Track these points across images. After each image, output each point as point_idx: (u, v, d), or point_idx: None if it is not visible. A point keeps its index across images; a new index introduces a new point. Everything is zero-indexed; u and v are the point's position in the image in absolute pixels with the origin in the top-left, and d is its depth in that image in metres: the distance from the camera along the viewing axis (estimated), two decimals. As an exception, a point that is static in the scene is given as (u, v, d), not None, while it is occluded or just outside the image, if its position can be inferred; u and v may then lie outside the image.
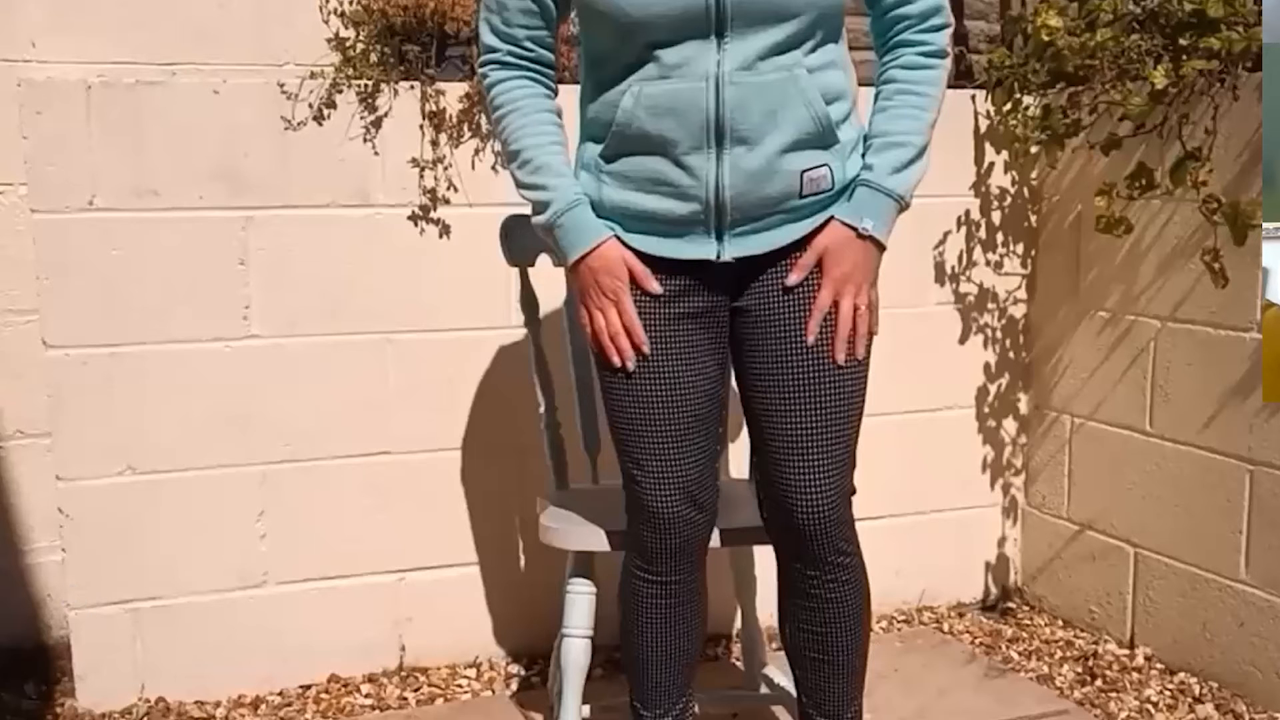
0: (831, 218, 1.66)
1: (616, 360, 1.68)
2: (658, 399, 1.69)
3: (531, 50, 1.70)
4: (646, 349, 1.67)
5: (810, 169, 1.62)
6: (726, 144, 1.59)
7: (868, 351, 1.69)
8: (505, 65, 1.71)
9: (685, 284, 1.68)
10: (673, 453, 1.70)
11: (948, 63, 1.69)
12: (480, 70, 1.74)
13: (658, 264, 1.67)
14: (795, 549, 1.74)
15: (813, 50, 1.61)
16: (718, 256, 1.65)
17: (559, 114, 1.73)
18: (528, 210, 1.83)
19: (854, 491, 1.74)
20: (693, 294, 1.69)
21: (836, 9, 1.62)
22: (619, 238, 1.67)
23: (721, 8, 1.54)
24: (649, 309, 1.68)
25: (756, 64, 1.57)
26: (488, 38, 1.71)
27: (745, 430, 1.81)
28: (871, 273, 1.68)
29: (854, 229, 1.65)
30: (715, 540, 1.88)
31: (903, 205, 1.67)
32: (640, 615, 1.81)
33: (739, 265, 1.67)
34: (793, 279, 1.66)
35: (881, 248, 1.68)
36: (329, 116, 2.37)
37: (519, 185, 1.71)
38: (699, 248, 1.65)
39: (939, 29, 1.67)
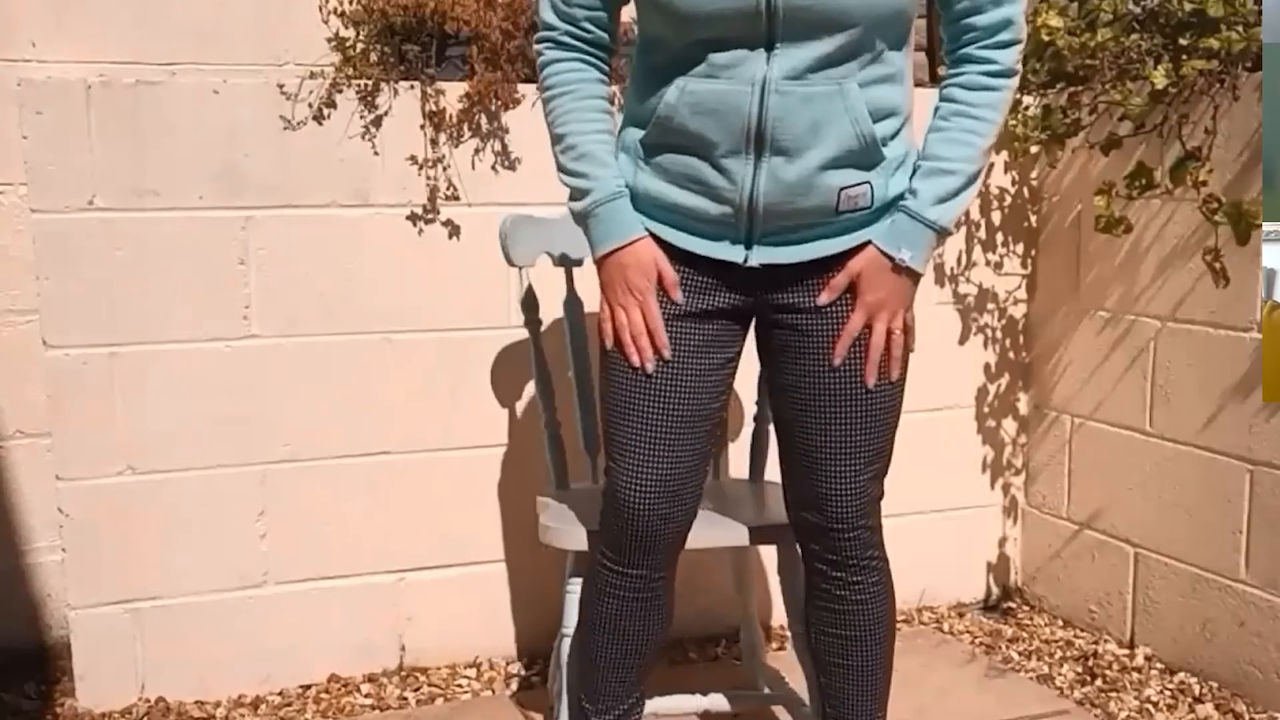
0: (868, 241, 1.63)
1: (636, 360, 1.65)
2: (653, 393, 1.66)
3: (589, 32, 1.67)
4: (668, 353, 1.65)
5: (849, 186, 1.59)
6: (766, 152, 1.56)
7: (904, 369, 1.67)
8: (561, 45, 1.68)
9: (708, 282, 1.66)
10: (655, 446, 1.67)
11: (1014, 81, 1.61)
12: (536, 48, 1.71)
13: (685, 257, 1.65)
14: (824, 552, 1.72)
15: (871, 62, 1.56)
16: (744, 261, 1.63)
17: (611, 100, 1.71)
18: (528, 210, 1.84)
19: (882, 495, 1.72)
20: (714, 293, 1.66)
21: (897, 17, 1.56)
22: (651, 233, 1.65)
23: (774, 13, 1.50)
24: (665, 302, 1.66)
25: (806, 74, 1.53)
26: (546, 15, 1.68)
27: (745, 430, 1.81)
28: (906, 299, 1.65)
29: (891, 258, 1.62)
30: (726, 540, 1.88)
31: (944, 235, 1.63)
32: (599, 604, 1.77)
33: (765, 272, 1.64)
34: (823, 299, 1.64)
35: (917, 277, 1.65)
36: (329, 116, 2.37)
37: (560, 169, 1.68)
38: (726, 250, 1.63)
39: (1007, 45, 1.59)
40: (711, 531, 1.93)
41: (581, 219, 1.68)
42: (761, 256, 1.63)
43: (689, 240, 1.65)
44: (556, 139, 1.68)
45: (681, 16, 1.54)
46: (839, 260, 1.64)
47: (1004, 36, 1.59)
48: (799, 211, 1.60)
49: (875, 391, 1.65)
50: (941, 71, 1.69)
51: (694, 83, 1.57)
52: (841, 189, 1.59)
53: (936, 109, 1.64)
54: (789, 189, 1.58)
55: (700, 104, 1.57)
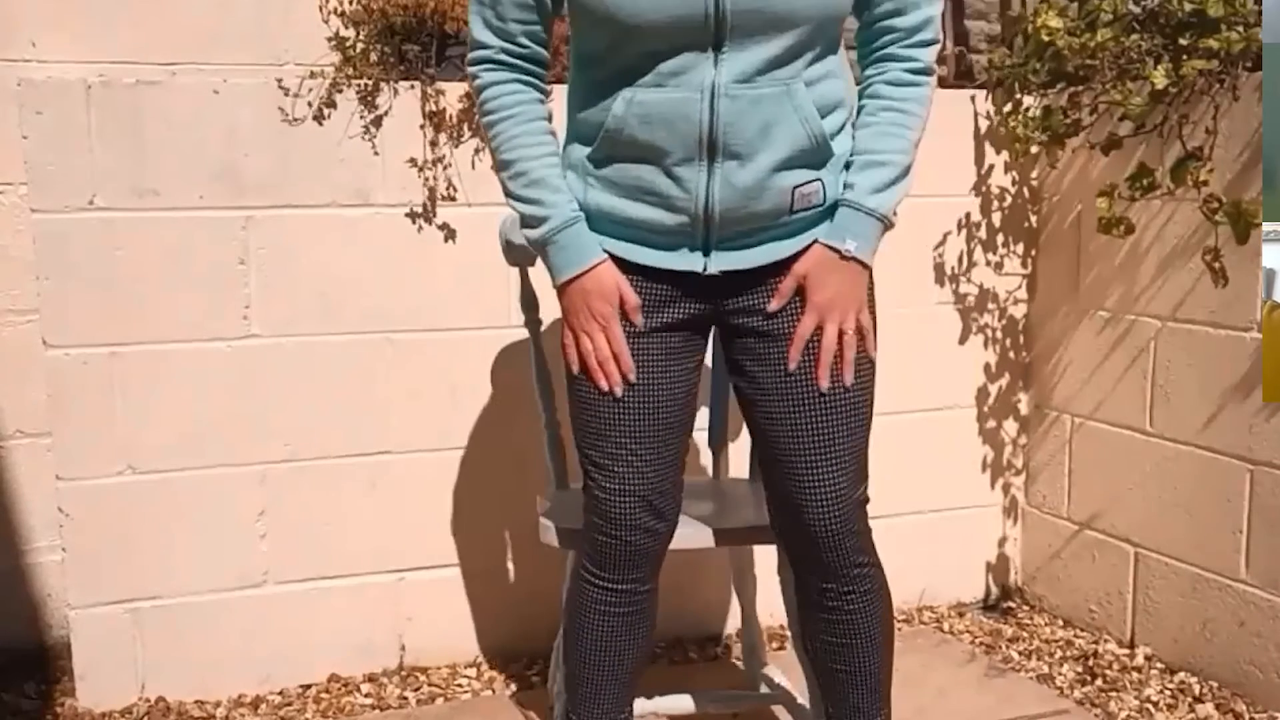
0: (814, 241, 1.63)
1: (604, 385, 1.64)
2: (625, 410, 1.65)
3: (526, 47, 1.65)
4: (633, 377, 1.64)
5: (802, 184, 1.59)
6: (719, 157, 1.56)
7: (872, 369, 1.67)
8: (498, 65, 1.65)
9: (668, 294, 1.65)
10: (635, 461, 1.66)
11: (934, 80, 1.65)
12: (470, 70, 1.68)
13: (642, 270, 1.64)
14: (811, 562, 1.70)
15: (813, 62, 1.57)
16: (704, 269, 1.62)
17: (550, 118, 1.69)
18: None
19: (867, 500, 1.71)
20: (674, 305, 1.66)
21: (838, 18, 1.57)
22: (608, 252, 1.64)
23: (721, 17, 1.50)
24: (627, 322, 1.65)
25: (754, 77, 1.53)
26: (479, 33, 1.65)
27: (745, 430, 1.80)
28: (857, 297, 1.63)
29: (836, 251, 1.61)
30: (725, 540, 1.88)
31: (887, 225, 1.63)
32: (586, 621, 1.75)
33: (724, 278, 1.64)
34: (773, 306, 1.63)
35: (866, 268, 1.64)
36: (329, 116, 2.37)
37: (510, 195, 1.67)
38: (685, 260, 1.62)
39: (927, 44, 1.62)
40: (710, 533, 1.93)
41: (539, 246, 1.66)
42: (720, 263, 1.62)
43: (646, 254, 1.63)
44: (504, 165, 1.66)
45: (626, 29, 1.52)
46: (791, 262, 1.63)
47: (925, 35, 1.62)
48: (754, 215, 1.59)
49: (840, 394, 1.63)
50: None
51: (642, 93, 1.55)
52: (795, 188, 1.59)
53: (862, 107, 1.65)
54: (743, 194, 1.57)
55: (649, 114, 1.55)
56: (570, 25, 1.66)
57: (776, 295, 1.64)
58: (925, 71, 1.63)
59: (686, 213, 1.59)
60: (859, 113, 1.65)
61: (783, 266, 1.64)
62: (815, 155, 1.59)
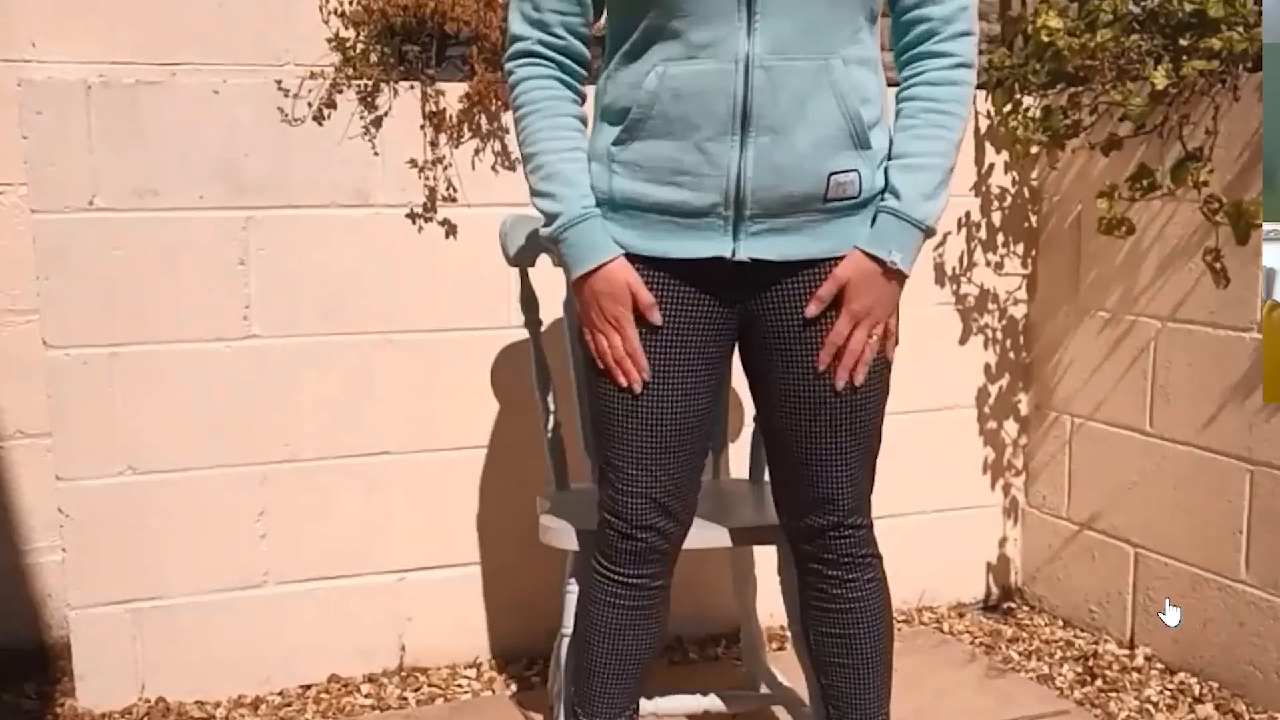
0: (854, 246, 1.60)
1: (623, 381, 1.62)
2: (643, 413, 1.64)
3: (562, 38, 1.63)
4: (647, 375, 1.62)
5: (838, 172, 1.56)
6: (751, 132, 1.53)
7: (888, 368, 1.66)
8: (533, 59, 1.63)
9: (692, 295, 1.63)
10: (649, 464, 1.65)
11: (973, 74, 1.61)
12: (507, 66, 1.66)
13: (666, 265, 1.61)
14: (819, 550, 1.70)
15: (851, 40, 1.54)
16: (732, 254, 1.59)
17: (583, 120, 1.67)
18: (527, 210, 1.83)
19: (872, 490, 1.71)
20: (698, 306, 1.63)
21: None
22: (631, 250, 1.61)
23: None
24: (647, 321, 1.63)
25: (790, 49, 1.51)
26: (517, 26, 1.64)
27: (745, 430, 1.80)
28: (892, 304, 1.62)
29: (878, 261, 1.59)
30: (725, 541, 1.88)
31: (929, 234, 1.61)
32: (596, 615, 1.75)
33: (751, 269, 1.61)
34: (811, 311, 1.61)
35: (904, 280, 1.62)
36: (329, 116, 2.37)
37: (531, 191, 1.65)
38: (713, 244, 1.59)
39: (964, 35, 1.59)
40: (711, 533, 1.93)
41: (552, 243, 1.64)
42: (749, 249, 1.59)
43: (671, 245, 1.60)
44: (526, 159, 1.64)
45: None
46: (823, 264, 1.61)
47: (960, 26, 1.59)
48: (788, 198, 1.56)
49: (863, 390, 1.63)
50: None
51: (674, 66, 1.53)
52: (831, 174, 1.56)
53: (900, 110, 1.62)
54: (777, 171, 1.54)
55: (682, 88, 1.53)
56: (606, 6, 1.64)
57: (815, 300, 1.61)
58: (965, 66, 1.59)
59: (717, 190, 1.56)
60: (898, 115, 1.62)
61: (809, 266, 1.61)
62: (853, 140, 1.56)
